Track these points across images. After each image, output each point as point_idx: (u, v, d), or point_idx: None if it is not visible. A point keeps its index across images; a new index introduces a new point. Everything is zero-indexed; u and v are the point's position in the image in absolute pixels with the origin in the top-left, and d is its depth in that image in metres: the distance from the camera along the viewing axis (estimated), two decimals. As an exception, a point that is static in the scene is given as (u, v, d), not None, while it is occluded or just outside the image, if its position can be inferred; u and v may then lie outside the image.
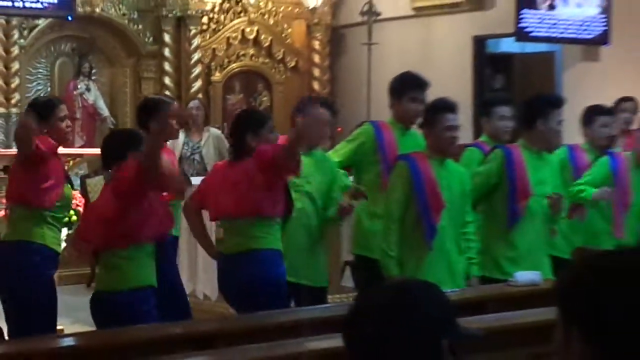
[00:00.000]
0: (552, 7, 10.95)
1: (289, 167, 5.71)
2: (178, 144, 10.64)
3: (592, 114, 7.19)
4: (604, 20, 11.25)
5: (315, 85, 13.72)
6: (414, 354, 2.12)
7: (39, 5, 8.22)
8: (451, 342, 2.15)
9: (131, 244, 5.21)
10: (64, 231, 7.32)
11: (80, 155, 10.96)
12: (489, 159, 6.49)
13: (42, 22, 11.58)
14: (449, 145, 6.05)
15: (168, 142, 7.14)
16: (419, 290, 2.23)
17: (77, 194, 8.89)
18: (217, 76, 13.16)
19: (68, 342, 5.15)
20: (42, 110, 5.96)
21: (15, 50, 11.59)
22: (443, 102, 6.13)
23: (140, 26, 12.56)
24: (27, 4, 8.17)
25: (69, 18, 10.29)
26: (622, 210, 6.91)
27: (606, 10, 11.23)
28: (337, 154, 6.70)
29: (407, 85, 6.74)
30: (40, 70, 12.27)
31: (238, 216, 5.82)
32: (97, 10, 12.00)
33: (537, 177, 6.35)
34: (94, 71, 12.41)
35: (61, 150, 9.03)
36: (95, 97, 12.23)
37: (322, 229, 6.42)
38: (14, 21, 11.32)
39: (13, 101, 11.37)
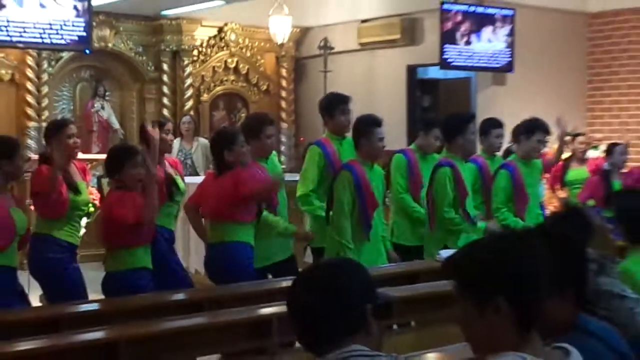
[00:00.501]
0: (468, 42, 10.99)
1: (265, 200, 5.84)
2: (174, 150, 10.61)
3: (488, 126, 7.14)
4: (509, 53, 11.33)
5: (283, 104, 13.67)
6: (344, 318, 2.18)
7: (62, 42, 8.15)
8: (374, 307, 2.22)
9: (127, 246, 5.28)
10: (84, 220, 7.26)
11: (97, 160, 10.93)
12: (441, 177, 6.42)
13: (65, 55, 11.47)
14: (380, 154, 6.04)
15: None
16: (347, 267, 2.31)
17: (93, 190, 8.88)
18: (205, 97, 13.06)
19: (87, 307, 5.09)
20: (53, 129, 5.84)
21: (45, 77, 11.50)
22: (373, 118, 6.06)
23: (144, 57, 12.47)
24: (54, 41, 8.10)
25: (87, 51, 10.18)
26: (523, 204, 6.91)
27: (510, 45, 11.31)
28: (306, 182, 6.38)
29: (335, 102, 6.56)
30: (65, 93, 12.16)
31: (218, 221, 5.84)
32: (110, 45, 11.94)
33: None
34: (107, 93, 12.30)
35: (81, 155, 8.96)
36: (108, 113, 12.12)
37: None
38: (44, 54, 11.26)
39: (43, 117, 11.24)
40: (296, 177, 7.04)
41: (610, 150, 8.67)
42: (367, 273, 2.31)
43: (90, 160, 9.87)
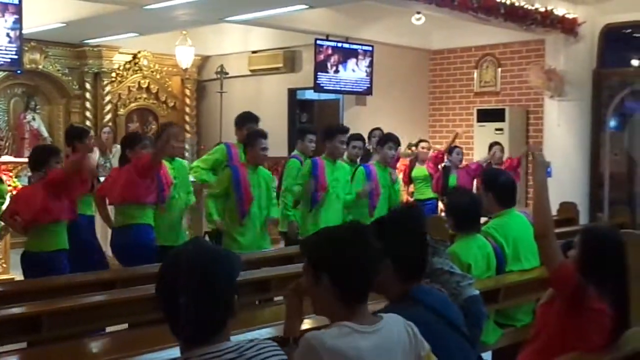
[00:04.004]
0: (337, 71, 11.08)
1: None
2: (95, 155, 10.29)
3: (386, 140, 7.05)
4: (368, 80, 11.47)
5: (187, 118, 13.49)
6: (212, 306, 1.74)
7: (-3, 63, 7.82)
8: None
9: (50, 221, 5.02)
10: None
11: (26, 162, 10.53)
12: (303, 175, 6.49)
13: (0, 74, 11.03)
14: (263, 159, 6.09)
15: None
16: (216, 267, 1.77)
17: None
18: (121, 111, 12.78)
19: (15, 286, 4.84)
20: None
21: (-18, 92, 11.02)
22: (259, 131, 6.12)
23: (70, 78, 12.05)
24: (-11, 61, 7.76)
25: (19, 72, 9.79)
26: (375, 199, 6.91)
27: (369, 74, 11.46)
28: (203, 162, 6.54)
29: (246, 120, 6.60)
30: (0, 106, 11.66)
31: (122, 202, 5.66)
32: (40, 66, 11.52)
33: (333, 177, 6.55)
34: (37, 107, 11.84)
35: (14, 159, 8.48)
36: (38, 124, 11.67)
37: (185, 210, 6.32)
38: (-19, 72, 10.78)
39: (-20, 126, 10.75)
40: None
41: (450, 151, 8.98)
42: (234, 263, 1.81)
43: (22, 163, 9.51)
